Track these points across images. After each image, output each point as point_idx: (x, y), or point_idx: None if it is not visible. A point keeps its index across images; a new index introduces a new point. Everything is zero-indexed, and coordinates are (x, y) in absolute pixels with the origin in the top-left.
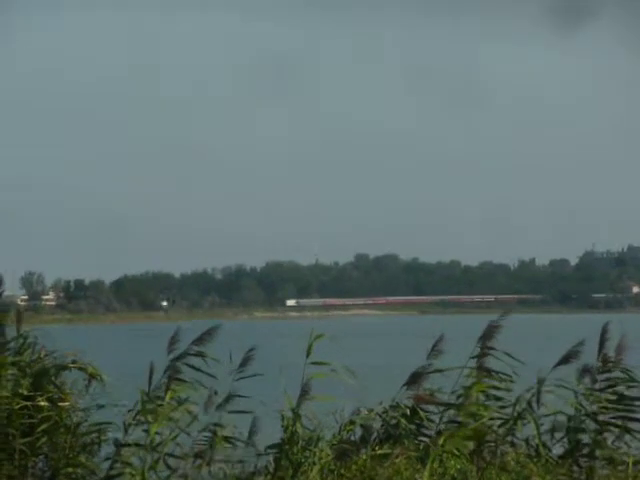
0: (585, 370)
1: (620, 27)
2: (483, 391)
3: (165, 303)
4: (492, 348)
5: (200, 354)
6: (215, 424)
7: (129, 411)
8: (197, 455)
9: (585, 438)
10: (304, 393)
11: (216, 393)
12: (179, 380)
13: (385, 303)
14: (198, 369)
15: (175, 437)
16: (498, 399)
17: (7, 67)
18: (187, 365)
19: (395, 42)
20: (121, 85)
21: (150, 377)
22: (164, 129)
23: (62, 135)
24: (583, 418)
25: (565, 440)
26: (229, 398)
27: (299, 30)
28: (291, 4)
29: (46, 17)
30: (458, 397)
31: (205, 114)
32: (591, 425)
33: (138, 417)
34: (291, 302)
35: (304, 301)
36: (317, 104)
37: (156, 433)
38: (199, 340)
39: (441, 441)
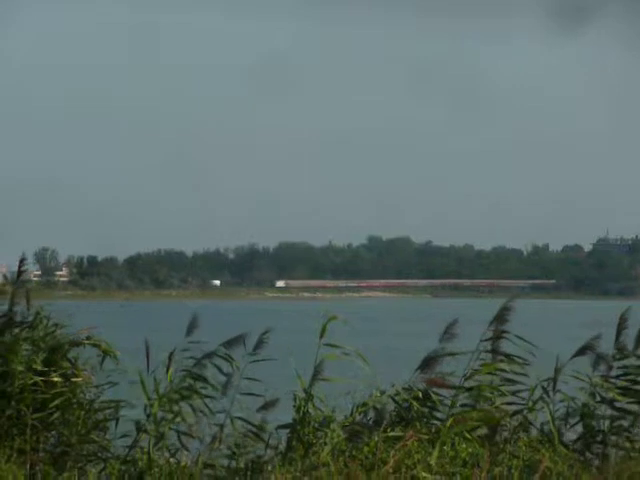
0: (601, 357)
1: (620, 26)
2: (493, 373)
3: (218, 282)
4: (504, 331)
5: (227, 358)
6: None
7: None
8: (214, 437)
9: (599, 425)
10: (316, 374)
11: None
12: (197, 375)
13: (386, 285)
14: (220, 369)
15: (177, 415)
16: (513, 382)
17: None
18: (216, 367)
19: (395, 42)
20: (120, 84)
21: (147, 357)
22: (164, 115)
23: (70, 125)
24: (598, 405)
25: (580, 426)
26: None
27: (298, 29)
28: (290, 3)
29: (43, 14)
30: (466, 379)
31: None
32: (606, 412)
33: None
34: (280, 283)
35: (292, 282)
36: (319, 95)
37: (164, 414)
38: (229, 343)
39: (449, 423)
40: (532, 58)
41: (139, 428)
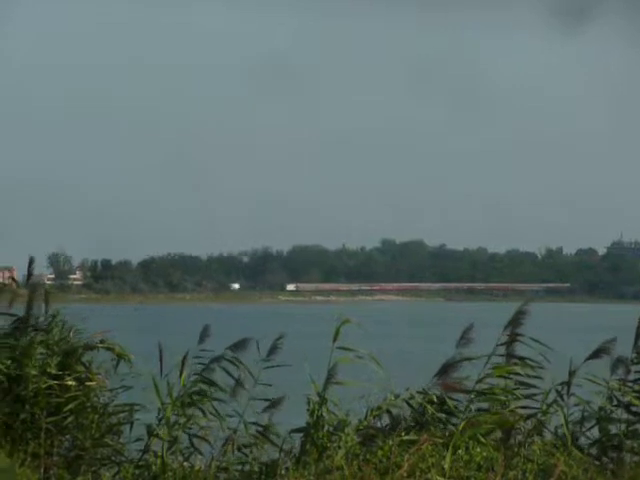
0: (619, 361)
1: (622, 23)
2: (507, 377)
3: (237, 285)
4: (519, 335)
5: (234, 361)
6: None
7: (162, 404)
8: (227, 440)
9: (615, 428)
10: (330, 377)
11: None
12: (207, 380)
13: (399, 289)
14: (233, 377)
15: (189, 419)
16: (527, 386)
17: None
18: (224, 370)
19: (395, 39)
20: (120, 84)
21: (161, 361)
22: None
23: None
24: (614, 409)
25: (595, 430)
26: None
27: (299, 25)
28: (288, 2)
29: (41, 12)
30: (478, 383)
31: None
32: (623, 416)
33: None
34: (291, 287)
35: (303, 285)
36: (320, 94)
37: (178, 423)
38: (235, 346)
39: (461, 427)
40: (533, 56)
41: (151, 432)
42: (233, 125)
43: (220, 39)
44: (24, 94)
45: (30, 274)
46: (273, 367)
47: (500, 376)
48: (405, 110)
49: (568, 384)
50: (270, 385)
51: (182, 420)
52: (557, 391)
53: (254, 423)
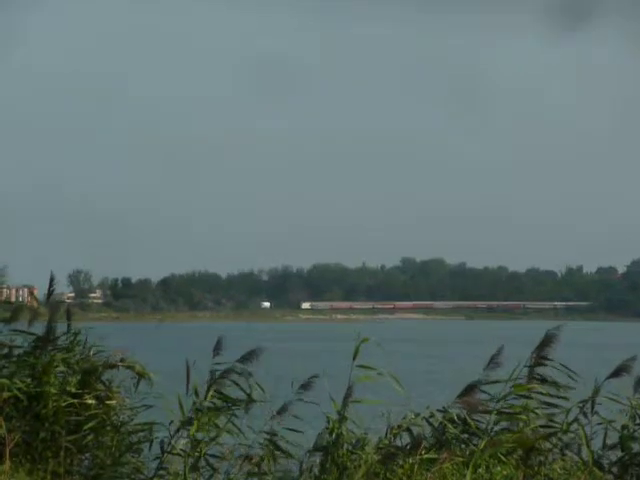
0: None
1: (620, 24)
2: (528, 396)
3: (267, 304)
4: (547, 358)
5: (243, 373)
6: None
7: (171, 422)
8: (246, 457)
9: (638, 447)
10: (349, 396)
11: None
12: (221, 395)
13: (415, 307)
14: (242, 388)
15: (214, 439)
16: (548, 405)
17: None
18: (234, 382)
19: (394, 41)
20: (120, 85)
21: (187, 379)
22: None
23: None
24: (637, 427)
25: (617, 449)
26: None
27: (296, 29)
28: (287, 3)
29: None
30: (498, 401)
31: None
32: None
33: (184, 422)
34: (306, 305)
35: (317, 304)
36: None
37: (196, 439)
38: (244, 358)
39: (482, 446)
40: (533, 56)
41: (167, 450)
42: (237, 131)
43: (220, 39)
44: (41, 107)
45: (51, 292)
46: (304, 402)
47: (521, 395)
48: (409, 116)
49: (592, 402)
50: (300, 419)
51: (207, 439)
52: (580, 409)
53: (271, 440)
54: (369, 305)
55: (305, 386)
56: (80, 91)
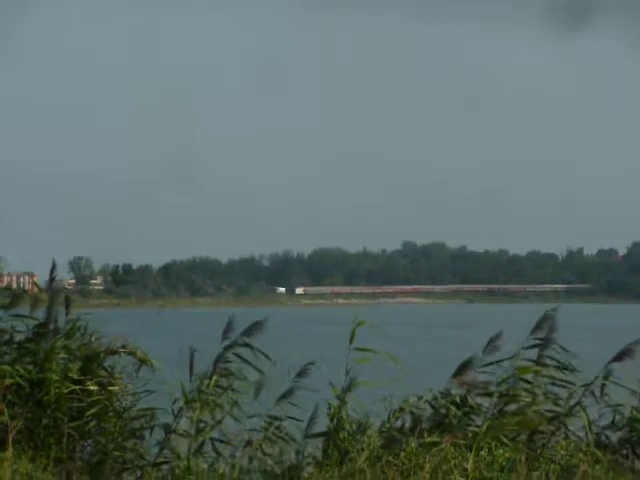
0: None
1: (620, 25)
2: (527, 380)
3: (283, 289)
4: (546, 339)
5: (248, 345)
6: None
7: (175, 400)
8: (248, 442)
9: None
10: (348, 379)
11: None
12: (226, 370)
13: (409, 291)
14: (246, 360)
15: (218, 423)
16: (559, 386)
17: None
18: (236, 355)
19: (393, 43)
20: (120, 84)
21: (191, 364)
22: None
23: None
24: None
25: (621, 432)
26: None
27: (296, 31)
28: (286, 4)
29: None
30: (499, 384)
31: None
32: None
33: (187, 404)
34: (299, 290)
35: (311, 289)
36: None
37: (200, 420)
38: (248, 331)
39: (484, 428)
40: (533, 55)
41: (168, 431)
42: (236, 126)
43: (219, 40)
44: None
45: (52, 279)
46: (301, 389)
47: (522, 379)
48: (407, 110)
49: (602, 385)
50: (299, 407)
51: (211, 424)
52: (583, 392)
53: (275, 424)
54: (359, 290)
55: (301, 373)
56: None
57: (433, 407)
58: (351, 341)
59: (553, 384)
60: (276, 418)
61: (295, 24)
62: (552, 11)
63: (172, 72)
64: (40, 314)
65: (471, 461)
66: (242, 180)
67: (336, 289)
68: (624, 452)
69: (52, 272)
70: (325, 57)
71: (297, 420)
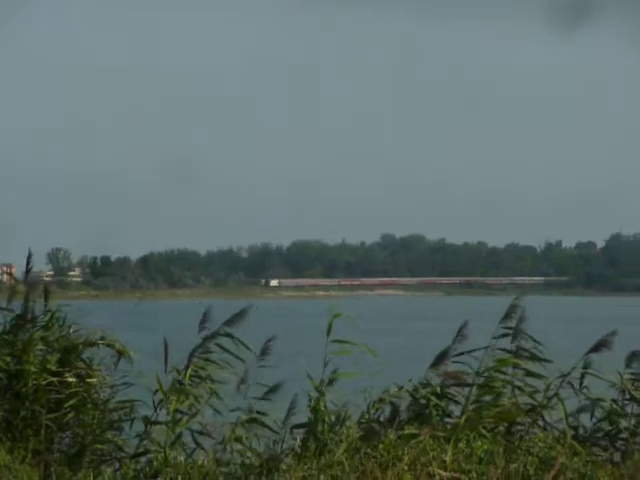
0: (634, 355)
1: (621, 23)
2: (502, 371)
3: (276, 282)
4: (516, 328)
5: (229, 335)
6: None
7: (156, 392)
8: (227, 434)
9: (625, 422)
10: (327, 372)
11: (244, 382)
12: (207, 361)
13: (381, 284)
14: (225, 349)
15: (196, 414)
16: (535, 376)
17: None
18: (217, 345)
19: (393, 42)
20: (120, 83)
21: (165, 355)
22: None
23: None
24: (626, 402)
25: (600, 424)
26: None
27: (295, 31)
28: (286, 4)
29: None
30: (477, 375)
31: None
32: (632, 410)
33: (164, 397)
34: (274, 282)
35: (285, 281)
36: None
37: (177, 411)
38: (230, 321)
39: (463, 420)
40: (533, 55)
41: (147, 423)
42: (231, 122)
43: (219, 40)
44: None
45: (29, 270)
46: (266, 367)
47: (498, 370)
48: (407, 109)
49: (581, 377)
50: (272, 386)
51: (186, 417)
52: (560, 383)
53: (254, 416)
54: (337, 282)
55: (264, 351)
56: (78, 85)
57: (414, 397)
58: (328, 333)
59: (528, 375)
60: (258, 413)
61: (295, 24)
62: (553, 10)
63: (172, 72)
64: (17, 306)
65: (450, 453)
66: (229, 173)
67: (311, 281)
68: (603, 444)
69: (28, 263)
70: (325, 57)
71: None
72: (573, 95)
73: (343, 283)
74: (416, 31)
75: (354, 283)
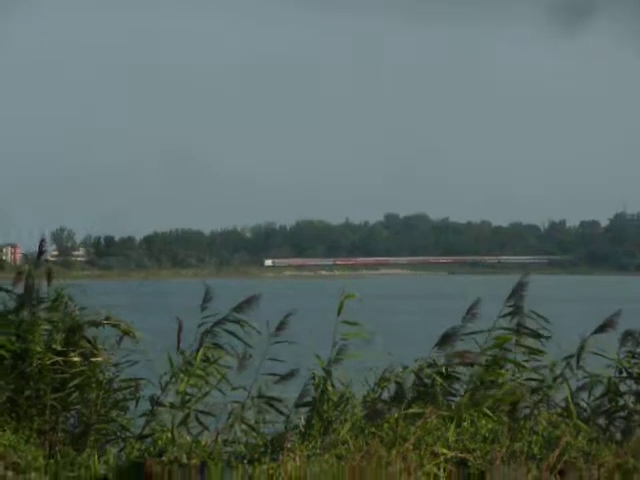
0: (628, 334)
1: (621, 25)
2: (507, 349)
3: (270, 262)
4: (521, 307)
5: (238, 322)
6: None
7: (164, 374)
8: (230, 414)
9: (624, 400)
10: (335, 352)
11: (250, 356)
12: (215, 345)
13: (369, 263)
14: (234, 334)
15: (205, 395)
16: (537, 353)
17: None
18: (225, 330)
19: (393, 43)
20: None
21: (179, 335)
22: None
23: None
24: (624, 380)
25: (604, 402)
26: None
27: (296, 32)
28: (287, 5)
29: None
30: (480, 354)
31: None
32: (632, 388)
33: (174, 377)
34: (268, 262)
35: (279, 261)
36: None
37: (186, 393)
38: (239, 307)
39: (465, 399)
40: (533, 54)
41: (154, 403)
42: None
43: (218, 40)
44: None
45: (42, 252)
46: (281, 342)
47: (503, 348)
48: (407, 108)
49: (578, 356)
50: (282, 361)
51: (197, 395)
52: (567, 363)
53: (260, 396)
54: (331, 261)
55: (280, 327)
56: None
57: (419, 377)
58: (339, 313)
59: (531, 353)
60: (265, 396)
61: (295, 24)
62: (553, 10)
63: (172, 72)
64: (22, 286)
65: (451, 432)
66: (230, 158)
67: (309, 261)
68: (605, 423)
69: (41, 246)
70: (325, 57)
71: (278, 401)
72: (575, 92)
73: (338, 263)
74: (416, 32)
75: (349, 263)
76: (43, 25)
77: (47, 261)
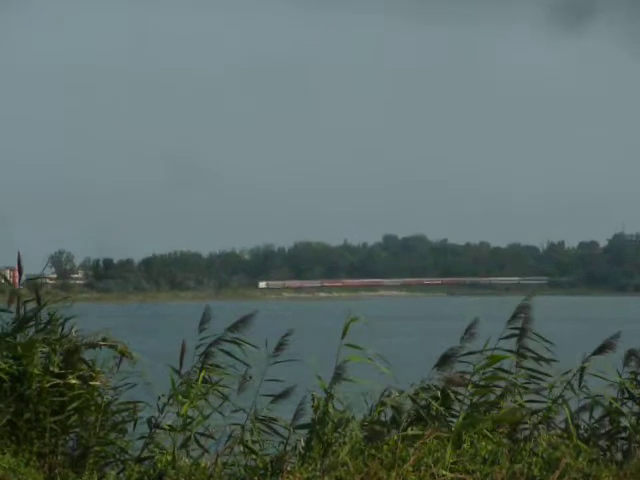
0: (632, 353)
1: (619, 27)
2: (504, 369)
3: (264, 284)
4: (523, 329)
5: (235, 341)
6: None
7: (162, 396)
8: (230, 436)
9: (625, 421)
10: (337, 375)
11: (250, 377)
12: (213, 365)
13: (363, 285)
14: (232, 355)
15: (207, 417)
16: (535, 378)
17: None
18: (221, 350)
19: (393, 43)
20: (120, 82)
21: (182, 357)
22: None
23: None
24: (625, 401)
25: (605, 423)
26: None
27: (295, 32)
28: (287, 5)
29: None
30: (475, 373)
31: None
32: (633, 409)
33: (172, 399)
34: (262, 284)
35: (273, 283)
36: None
37: (187, 416)
38: (234, 327)
39: (461, 419)
40: (533, 53)
41: (153, 425)
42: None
43: (218, 40)
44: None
45: (20, 271)
46: (280, 362)
47: (501, 369)
48: (407, 108)
49: (580, 377)
50: (282, 380)
51: (198, 419)
52: (566, 384)
53: (261, 419)
54: (319, 283)
55: (280, 347)
56: (78, 84)
57: (416, 402)
58: (343, 336)
59: (532, 376)
60: (265, 418)
61: (295, 24)
62: (553, 10)
63: (171, 72)
64: (15, 308)
65: (448, 453)
66: (229, 174)
67: (297, 283)
68: (604, 444)
69: (19, 264)
70: (324, 57)
71: (276, 422)
72: (573, 95)
73: (326, 284)
74: (415, 32)
75: (336, 284)
76: (42, 25)
77: (43, 283)
